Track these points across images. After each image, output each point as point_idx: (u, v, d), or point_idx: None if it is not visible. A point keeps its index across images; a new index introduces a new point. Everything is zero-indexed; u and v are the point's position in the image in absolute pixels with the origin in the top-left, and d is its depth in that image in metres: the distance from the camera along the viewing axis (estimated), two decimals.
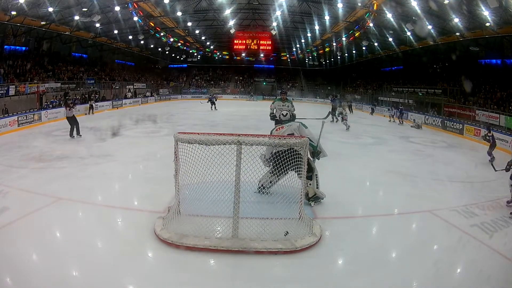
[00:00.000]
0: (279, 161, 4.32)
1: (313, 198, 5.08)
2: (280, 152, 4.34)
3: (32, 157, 7.90)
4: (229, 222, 3.90)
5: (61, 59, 23.67)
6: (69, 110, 10.82)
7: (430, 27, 18.87)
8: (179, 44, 32.78)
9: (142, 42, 28.96)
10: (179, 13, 23.82)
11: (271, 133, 5.41)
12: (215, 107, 21.88)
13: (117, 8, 20.28)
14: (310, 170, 4.93)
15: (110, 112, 20.94)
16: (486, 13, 14.78)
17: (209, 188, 4.28)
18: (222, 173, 4.10)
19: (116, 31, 24.77)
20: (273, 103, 8.35)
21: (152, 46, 31.66)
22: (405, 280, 3.37)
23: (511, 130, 13.14)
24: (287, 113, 5.35)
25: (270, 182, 4.94)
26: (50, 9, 17.72)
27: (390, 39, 23.88)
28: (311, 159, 5.09)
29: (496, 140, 9.40)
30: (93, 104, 19.48)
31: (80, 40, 25.41)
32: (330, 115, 15.01)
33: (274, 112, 8.16)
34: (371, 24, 22.09)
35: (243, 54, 36.55)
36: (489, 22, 15.63)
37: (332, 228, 4.42)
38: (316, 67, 40.57)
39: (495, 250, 3.89)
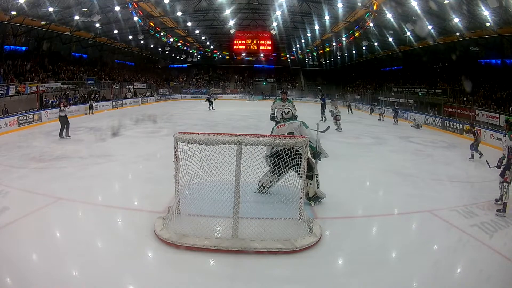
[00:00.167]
0: (279, 160, 4.32)
1: (314, 198, 5.08)
2: (280, 152, 4.33)
3: (32, 157, 7.90)
4: (229, 222, 3.89)
5: (61, 59, 23.68)
6: (63, 109, 10.76)
7: (430, 27, 18.87)
8: (179, 44, 32.79)
9: (142, 42, 28.96)
10: (179, 13, 23.84)
11: (272, 130, 5.48)
12: (212, 107, 21.86)
13: (117, 8, 20.29)
14: (311, 169, 4.93)
15: (110, 112, 20.94)
16: (486, 13, 14.79)
17: (209, 188, 4.28)
18: (222, 173, 4.10)
19: (116, 31, 24.78)
20: (273, 103, 8.35)
21: (152, 46, 31.66)
22: (405, 280, 3.36)
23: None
24: (289, 111, 5.34)
25: (270, 181, 4.93)
26: (50, 9, 17.73)
27: (390, 39, 23.89)
28: (312, 159, 5.09)
29: (479, 137, 9.68)
30: (93, 104, 19.49)
31: (80, 40, 25.42)
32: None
33: (275, 112, 8.16)
34: (371, 24, 22.11)
35: (243, 54, 36.56)
36: (489, 22, 15.64)
37: (332, 228, 4.42)
38: (316, 67, 40.57)
39: (495, 250, 3.89)
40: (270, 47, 34.91)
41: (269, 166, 4.77)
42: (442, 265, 3.61)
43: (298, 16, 26.10)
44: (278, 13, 24.47)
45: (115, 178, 6.62)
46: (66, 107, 11.04)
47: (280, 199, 4.39)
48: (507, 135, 5.58)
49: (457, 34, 18.60)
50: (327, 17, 23.20)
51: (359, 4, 20.50)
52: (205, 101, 22.56)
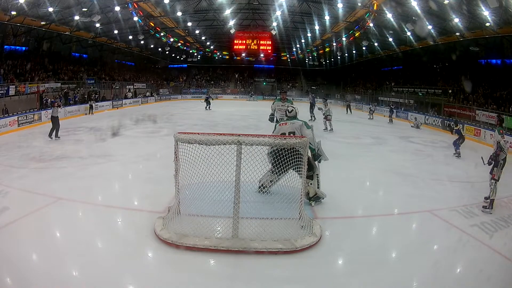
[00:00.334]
0: (280, 159, 4.32)
1: (314, 198, 5.08)
2: (281, 151, 4.34)
3: (32, 157, 7.90)
4: (229, 222, 3.89)
5: (61, 59, 23.68)
6: (56, 109, 10.66)
7: (430, 27, 18.87)
8: (179, 44, 32.78)
9: (142, 42, 28.96)
10: (179, 13, 23.84)
11: (275, 126, 5.60)
12: (209, 107, 21.81)
13: (117, 8, 20.29)
14: (311, 169, 4.93)
15: (110, 112, 20.94)
16: (486, 13, 14.78)
17: (209, 188, 4.28)
18: (222, 173, 4.10)
19: (116, 31, 24.78)
20: (273, 104, 8.35)
21: (152, 46, 31.66)
22: (405, 280, 3.37)
23: (511, 130, 13.13)
24: (292, 110, 5.35)
25: (271, 181, 4.93)
26: (50, 9, 17.73)
27: (390, 39, 23.88)
28: (312, 159, 5.10)
29: (464, 135, 10.13)
30: (93, 104, 19.48)
31: (80, 40, 25.42)
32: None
33: (275, 113, 8.15)
34: (371, 24, 22.10)
35: (243, 54, 36.55)
36: (489, 22, 15.63)
37: (332, 228, 4.43)
38: (316, 67, 40.58)
39: (495, 250, 3.89)
40: (270, 47, 34.90)
41: (271, 162, 4.78)
42: (442, 265, 3.61)
43: (298, 16, 26.10)
44: (278, 13, 24.46)
45: (115, 178, 6.62)
46: (60, 107, 10.91)
47: (280, 199, 4.39)
48: (496, 131, 5.58)
49: (457, 34, 18.60)
50: (327, 17, 23.20)
51: (359, 4, 20.49)
52: (204, 101, 22.56)
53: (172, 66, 41.32)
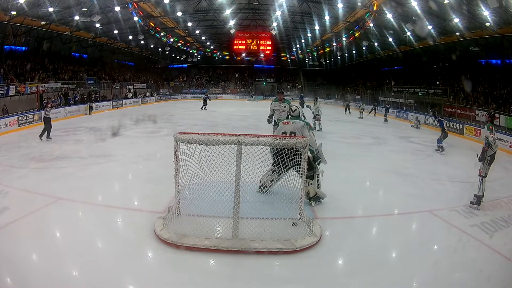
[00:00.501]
0: (280, 159, 4.34)
1: (314, 198, 5.09)
2: (281, 150, 4.36)
3: (32, 157, 7.90)
4: (229, 222, 3.90)
5: (61, 59, 23.68)
6: (49, 109, 10.51)
7: (430, 27, 18.87)
8: (179, 44, 32.78)
9: (142, 42, 28.96)
10: (179, 13, 23.84)
11: (278, 124, 5.70)
12: (205, 107, 21.74)
13: (117, 8, 20.29)
14: (311, 169, 4.93)
15: (110, 112, 20.94)
16: (486, 13, 14.78)
17: (209, 188, 4.28)
18: (222, 173, 4.10)
19: (116, 31, 24.77)
20: (271, 104, 8.33)
21: (152, 46, 31.66)
22: (405, 280, 3.37)
23: (511, 130, 13.14)
24: (296, 109, 5.36)
25: (271, 180, 4.96)
26: (50, 9, 17.72)
27: (390, 39, 23.88)
28: (315, 153, 5.10)
29: (446, 130, 10.55)
30: (93, 105, 19.42)
31: (80, 40, 25.42)
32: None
33: (273, 113, 8.13)
34: (371, 24, 22.10)
35: (243, 54, 36.55)
36: (489, 22, 15.63)
37: (332, 228, 4.43)
38: (316, 67, 40.59)
39: (495, 250, 3.89)
40: (270, 47, 34.90)
41: (273, 158, 4.79)
42: (442, 265, 3.61)
43: (298, 16, 26.10)
44: (278, 13, 24.46)
45: (115, 178, 6.63)
46: (52, 108, 10.72)
47: (280, 199, 4.39)
48: (486, 126, 5.61)
49: (457, 34, 18.60)
50: (327, 17, 23.20)
51: (359, 4, 20.49)
52: (201, 101, 22.53)
53: (172, 66, 41.33)
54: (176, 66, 41.30)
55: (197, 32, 29.99)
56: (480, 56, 20.37)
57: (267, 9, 25.88)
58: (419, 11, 17.25)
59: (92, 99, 20.61)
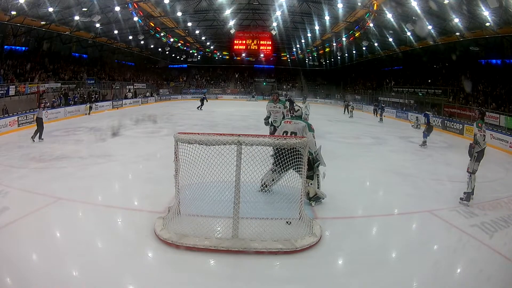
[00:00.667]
0: (280, 158, 4.36)
1: (314, 198, 5.09)
2: (281, 150, 4.37)
3: (32, 157, 7.90)
4: (229, 222, 3.90)
5: (61, 59, 23.68)
6: (41, 110, 10.40)
7: (430, 27, 18.87)
8: (179, 44, 32.78)
9: (142, 42, 28.96)
10: (179, 13, 23.84)
11: (280, 123, 5.79)
12: (200, 108, 21.67)
13: (117, 8, 20.29)
14: (311, 169, 4.94)
15: (110, 112, 20.94)
16: (486, 13, 14.79)
17: (209, 188, 4.28)
18: (222, 173, 4.10)
19: (116, 31, 24.78)
20: (267, 105, 8.31)
21: (152, 46, 31.66)
22: (405, 280, 3.37)
23: (511, 130, 13.14)
24: (299, 109, 5.34)
25: (272, 180, 4.99)
26: (50, 9, 17.73)
27: (390, 39, 23.89)
28: (314, 155, 5.10)
29: (432, 124, 11.08)
30: (93, 105, 19.38)
31: (80, 40, 25.42)
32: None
33: (269, 115, 8.08)
34: (371, 24, 22.11)
35: (243, 54, 36.56)
36: (489, 22, 15.64)
37: (332, 228, 4.42)
38: (316, 67, 40.59)
39: (495, 250, 3.89)
40: (270, 47, 34.92)
41: (274, 158, 4.80)
42: (442, 265, 3.61)
43: (298, 16, 26.10)
44: (278, 13, 24.47)
45: (115, 178, 6.62)
46: (44, 108, 10.59)
47: (280, 199, 4.39)
48: (475, 123, 5.67)
49: (457, 34, 18.60)
50: (327, 17, 23.20)
51: (359, 4, 20.49)
52: (199, 100, 22.48)
53: (172, 66, 41.33)
54: (176, 66, 41.31)
55: (197, 32, 29.99)
56: (480, 56, 20.38)
57: (267, 9, 25.88)
58: (419, 11, 17.25)
59: (92, 99, 20.57)
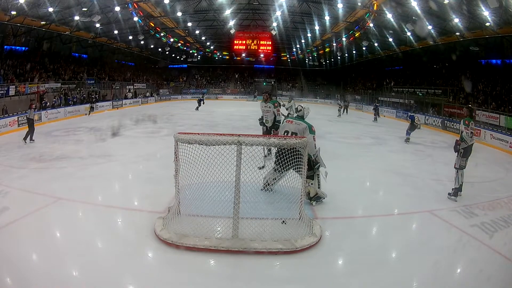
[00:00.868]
0: (281, 158, 4.38)
1: (315, 198, 5.10)
2: (282, 150, 4.38)
3: (32, 157, 7.90)
4: (229, 222, 3.90)
5: (61, 59, 23.68)
6: (32, 111, 10.23)
7: (430, 27, 18.87)
8: (179, 44, 32.77)
9: (142, 42, 28.95)
10: (179, 13, 23.83)
11: (282, 121, 5.84)
12: (197, 108, 21.60)
13: (117, 8, 20.28)
14: (311, 169, 4.94)
15: (110, 112, 20.94)
16: (486, 13, 14.78)
17: (209, 188, 4.28)
18: (222, 173, 4.11)
19: (116, 31, 24.77)
20: (260, 104, 8.31)
21: (152, 46, 31.65)
22: (405, 280, 3.37)
23: (511, 130, 13.13)
24: (301, 109, 5.32)
25: (274, 179, 5.03)
26: (50, 9, 17.72)
27: (390, 39, 23.88)
28: (313, 157, 5.10)
29: (417, 124, 11.84)
30: (94, 106, 19.27)
31: (80, 40, 25.42)
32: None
33: (263, 114, 8.10)
34: (371, 24, 22.10)
35: (243, 54, 36.55)
36: (489, 22, 15.63)
37: (332, 228, 4.42)
38: (316, 67, 40.59)
39: (495, 250, 3.90)
40: (270, 47, 34.89)
41: (275, 157, 4.80)
42: (442, 265, 3.61)
43: (298, 16, 26.10)
44: (278, 13, 24.45)
45: (115, 178, 6.62)
46: (35, 109, 10.40)
47: (280, 199, 4.39)
48: (462, 121, 5.84)
49: (457, 34, 18.60)
50: (327, 17, 23.19)
51: (359, 4, 20.49)
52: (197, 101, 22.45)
53: (172, 66, 41.33)
54: (176, 66, 41.31)
55: (197, 32, 29.98)
56: (480, 56, 20.38)
57: (267, 9, 25.87)
58: (419, 11, 17.24)
59: (94, 99, 20.53)
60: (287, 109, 13.06)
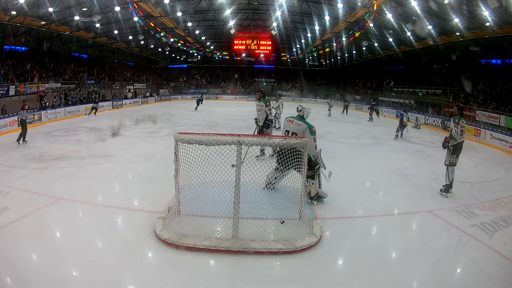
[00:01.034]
0: (282, 158, 4.40)
1: (316, 197, 5.11)
2: (282, 150, 4.40)
3: (32, 157, 7.90)
4: (229, 222, 3.90)
5: (61, 59, 23.68)
6: (24, 112, 10.08)
7: (430, 27, 18.87)
8: (179, 44, 32.78)
9: (142, 42, 28.95)
10: (179, 13, 23.84)
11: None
12: (196, 108, 21.60)
13: (117, 8, 20.28)
14: (312, 169, 4.95)
15: (110, 112, 20.94)
16: (486, 13, 14.78)
17: (209, 188, 4.28)
18: (222, 173, 4.10)
19: (116, 31, 24.77)
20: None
21: (152, 46, 31.66)
22: (405, 280, 3.37)
23: (511, 130, 13.14)
24: (301, 109, 5.30)
25: (275, 178, 5.05)
26: (50, 9, 17.73)
27: (390, 39, 23.88)
28: (314, 159, 5.10)
29: (405, 123, 12.32)
30: (97, 106, 19.10)
31: (80, 40, 25.42)
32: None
33: (256, 112, 8.19)
34: (371, 24, 22.10)
35: (243, 54, 36.56)
36: (489, 22, 15.64)
37: (332, 228, 4.42)
38: (316, 67, 40.60)
39: (495, 250, 3.90)
40: (270, 47, 34.89)
41: (277, 156, 4.82)
42: (442, 265, 3.61)
43: (298, 16, 26.10)
44: (278, 13, 24.45)
45: (115, 178, 6.62)
46: (27, 110, 10.33)
47: (280, 199, 4.39)
48: (452, 119, 5.91)
49: (457, 34, 18.60)
50: (327, 17, 23.19)
51: (359, 4, 20.49)
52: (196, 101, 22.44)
53: (172, 66, 41.34)
54: (176, 66, 41.32)
55: (197, 32, 29.99)
56: (480, 56, 20.38)
57: (267, 9, 25.87)
58: (419, 11, 17.24)
59: (96, 99, 20.46)
60: (275, 108, 13.07)
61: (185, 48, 34.92)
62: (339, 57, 34.48)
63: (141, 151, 8.84)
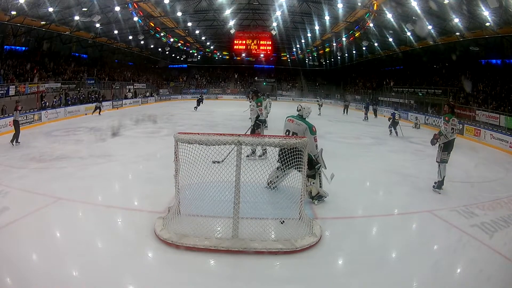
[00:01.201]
0: (283, 157, 4.41)
1: (317, 197, 5.11)
2: (283, 149, 4.39)
3: (32, 157, 7.89)
4: (229, 222, 3.89)
5: (61, 59, 23.68)
6: (17, 113, 10.07)
7: (430, 27, 18.88)
8: (179, 44, 32.80)
9: (142, 42, 28.96)
10: (179, 13, 23.85)
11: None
12: (195, 108, 21.58)
13: (117, 8, 20.30)
14: (313, 168, 4.94)
15: (110, 112, 20.94)
16: (486, 13, 14.79)
17: (209, 188, 4.28)
18: (222, 173, 4.10)
19: (116, 31, 24.79)
20: None
21: (152, 46, 31.67)
22: (405, 280, 3.36)
23: (511, 130, 13.14)
24: (301, 109, 5.28)
25: (277, 177, 5.06)
26: (50, 9, 17.74)
27: (390, 39, 23.89)
28: (314, 159, 5.10)
29: (397, 120, 13.00)
30: (101, 106, 19.03)
31: (80, 40, 25.43)
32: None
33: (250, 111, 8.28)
34: (371, 24, 22.11)
35: (243, 54, 36.56)
36: (489, 22, 15.64)
37: (332, 228, 4.42)
38: (316, 67, 40.62)
39: (495, 250, 3.89)
40: (270, 47, 34.93)
41: (278, 156, 4.83)
42: (442, 265, 3.61)
43: (298, 16, 26.11)
44: (278, 13, 24.47)
45: (115, 178, 6.62)
46: (20, 111, 10.29)
47: (280, 199, 4.39)
48: (442, 117, 6.06)
49: (457, 34, 18.60)
50: (327, 17, 23.22)
51: (359, 4, 20.51)
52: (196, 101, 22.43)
53: (172, 66, 41.35)
54: (176, 66, 41.33)
55: (197, 32, 30.00)
56: (480, 56, 20.38)
57: (267, 9, 25.89)
58: (419, 11, 17.26)
59: (100, 99, 20.35)
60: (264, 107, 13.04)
61: (185, 48, 34.93)
62: (339, 57, 34.50)
63: (141, 151, 8.84)
